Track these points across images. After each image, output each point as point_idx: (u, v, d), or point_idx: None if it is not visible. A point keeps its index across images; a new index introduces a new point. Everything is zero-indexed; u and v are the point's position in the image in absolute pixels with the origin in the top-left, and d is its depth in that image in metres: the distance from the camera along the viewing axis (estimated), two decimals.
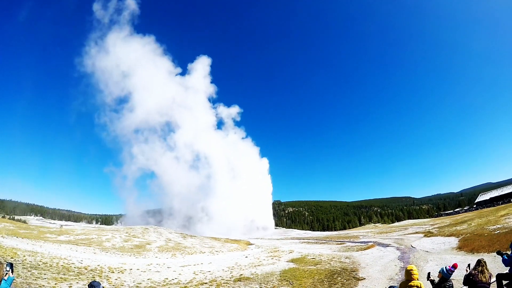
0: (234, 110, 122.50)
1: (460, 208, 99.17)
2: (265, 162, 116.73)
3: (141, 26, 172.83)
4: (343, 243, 34.88)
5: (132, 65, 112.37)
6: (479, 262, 5.18)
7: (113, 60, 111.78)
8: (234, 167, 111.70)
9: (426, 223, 53.49)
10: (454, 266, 4.99)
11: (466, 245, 18.41)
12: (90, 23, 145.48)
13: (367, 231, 58.72)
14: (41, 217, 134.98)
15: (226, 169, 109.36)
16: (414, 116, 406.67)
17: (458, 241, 20.73)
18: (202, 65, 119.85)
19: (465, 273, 5.45)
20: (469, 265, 5.58)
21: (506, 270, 6.20)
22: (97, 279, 13.22)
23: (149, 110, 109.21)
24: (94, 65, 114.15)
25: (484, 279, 5.02)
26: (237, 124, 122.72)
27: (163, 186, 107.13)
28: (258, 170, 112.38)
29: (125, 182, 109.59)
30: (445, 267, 5.07)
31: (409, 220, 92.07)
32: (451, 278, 4.98)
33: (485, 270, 5.03)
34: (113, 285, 12.78)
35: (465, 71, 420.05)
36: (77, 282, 12.12)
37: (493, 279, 6.41)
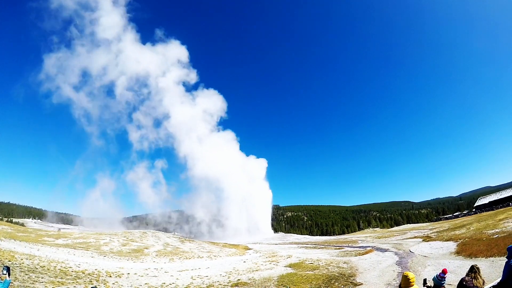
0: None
1: (459, 212, 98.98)
2: (263, 166, 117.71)
3: None
4: (342, 248, 34.84)
5: None
6: (472, 268, 5.20)
7: None
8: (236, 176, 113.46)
9: (425, 228, 53.40)
10: (444, 272, 5.01)
11: (464, 249, 18.45)
12: None
13: (365, 236, 58.59)
14: (39, 220, 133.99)
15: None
16: (412, 120, 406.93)
17: (457, 245, 20.78)
18: None
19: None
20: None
21: None
22: (94, 283, 13.19)
23: None
24: None
25: (479, 285, 5.04)
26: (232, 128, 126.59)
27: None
28: (258, 177, 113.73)
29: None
30: (436, 274, 5.10)
31: (408, 224, 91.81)
32: (448, 283, 4.99)
33: (478, 276, 5.05)
34: None
35: (463, 73, 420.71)
36: (75, 286, 12.09)
37: (489, 285, 6.44)
